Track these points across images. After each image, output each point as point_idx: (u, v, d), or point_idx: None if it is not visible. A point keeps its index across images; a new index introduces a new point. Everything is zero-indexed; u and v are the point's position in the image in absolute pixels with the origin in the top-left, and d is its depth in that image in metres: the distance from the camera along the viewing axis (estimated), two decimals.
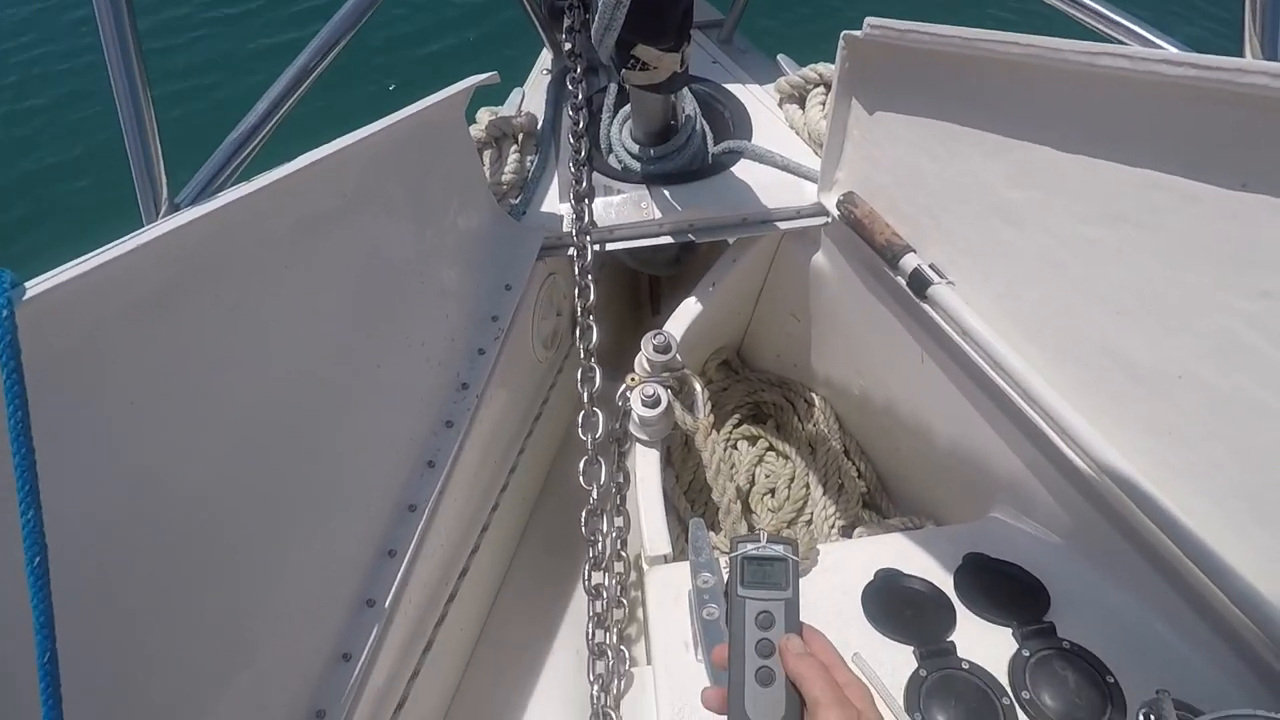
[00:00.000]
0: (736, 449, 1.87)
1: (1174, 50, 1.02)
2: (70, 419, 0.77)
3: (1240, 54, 1.03)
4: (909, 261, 1.36)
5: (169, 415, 0.88)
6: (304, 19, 4.85)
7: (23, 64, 4.70)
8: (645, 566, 1.29)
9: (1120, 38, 1.12)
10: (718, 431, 1.83)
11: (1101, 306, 1.06)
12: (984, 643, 1.10)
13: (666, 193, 1.65)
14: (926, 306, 1.34)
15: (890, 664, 1.08)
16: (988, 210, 1.22)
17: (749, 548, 0.78)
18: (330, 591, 1.13)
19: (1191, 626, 1.03)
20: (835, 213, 1.53)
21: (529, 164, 1.71)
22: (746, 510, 1.76)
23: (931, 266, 1.34)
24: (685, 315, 1.64)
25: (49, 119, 4.34)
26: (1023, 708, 1.01)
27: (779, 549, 0.77)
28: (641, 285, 2.47)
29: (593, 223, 1.52)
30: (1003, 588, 1.18)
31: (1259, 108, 0.83)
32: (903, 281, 1.38)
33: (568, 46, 1.62)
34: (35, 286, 0.72)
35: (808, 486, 1.75)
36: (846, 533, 1.66)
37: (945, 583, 1.20)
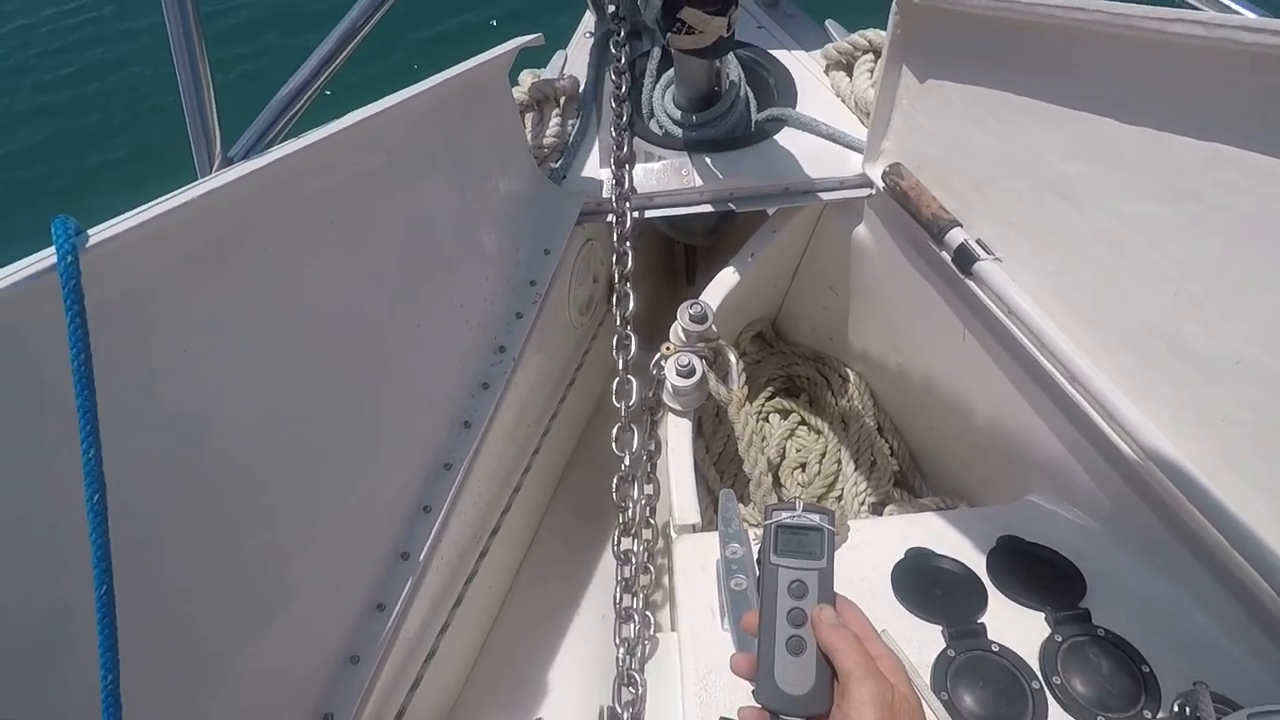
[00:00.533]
0: (768, 422, 1.86)
1: (1252, 15, 0.96)
2: (126, 362, 0.79)
3: None
4: (955, 236, 1.32)
5: (217, 362, 0.90)
6: None
7: (83, 25, 4.78)
8: (674, 535, 1.30)
9: (1193, 2, 1.06)
10: (750, 404, 1.82)
11: (1159, 287, 1.03)
12: (1015, 626, 1.09)
13: (708, 160, 1.62)
14: (971, 283, 1.31)
15: (918, 642, 1.08)
16: (1042, 185, 1.18)
17: (784, 515, 0.77)
18: (367, 542, 1.16)
19: (1234, 618, 1.01)
20: (880, 184, 1.50)
21: (570, 128, 1.70)
22: (777, 484, 1.75)
23: (979, 242, 1.31)
24: (722, 285, 1.63)
25: (111, 79, 4.42)
26: (1052, 692, 1.00)
27: (815, 518, 0.77)
28: (677, 254, 2.45)
29: (633, 189, 1.51)
30: (1037, 572, 1.16)
31: None
32: (947, 257, 1.34)
33: (611, 9, 1.59)
34: (97, 234, 0.74)
35: (839, 462, 1.74)
36: (877, 510, 1.65)
37: (978, 564, 1.19)
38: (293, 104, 1.05)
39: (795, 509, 0.77)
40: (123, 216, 0.76)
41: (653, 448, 1.44)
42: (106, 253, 0.73)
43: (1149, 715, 0.97)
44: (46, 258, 0.69)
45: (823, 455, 1.76)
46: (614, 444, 1.30)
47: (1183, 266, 1.00)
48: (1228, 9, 1.02)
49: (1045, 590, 1.13)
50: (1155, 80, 0.97)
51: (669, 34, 1.36)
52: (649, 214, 1.60)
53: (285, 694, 1.04)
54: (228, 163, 0.95)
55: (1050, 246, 1.20)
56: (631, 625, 1.25)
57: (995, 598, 1.14)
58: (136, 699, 0.69)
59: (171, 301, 0.83)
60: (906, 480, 1.76)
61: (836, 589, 0.76)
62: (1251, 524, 0.94)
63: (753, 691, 0.76)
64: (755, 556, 0.82)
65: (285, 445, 1.01)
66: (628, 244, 1.42)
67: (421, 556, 1.20)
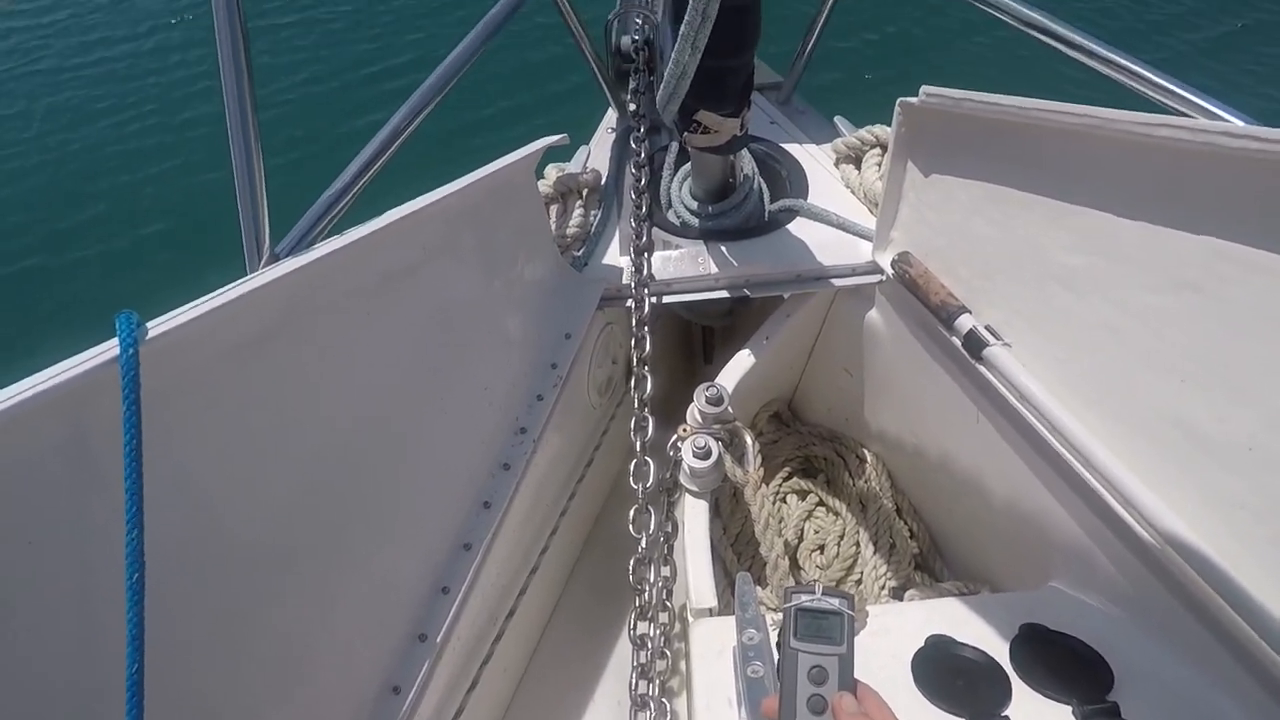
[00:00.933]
0: (786, 503, 1.86)
1: (1237, 122, 1.02)
2: (171, 447, 0.84)
3: None
4: (964, 322, 1.36)
5: (252, 447, 0.95)
6: (385, 98, 5.20)
7: (152, 128, 5.14)
8: (690, 619, 1.29)
9: (1183, 109, 1.12)
10: (767, 485, 1.83)
11: (1167, 375, 1.05)
12: (1040, 719, 1.06)
13: (723, 248, 1.69)
14: (982, 368, 1.34)
15: None
16: (1046, 275, 1.22)
17: (803, 599, 0.78)
18: (385, 623, 1.17)
19: (1265, 709, 0.98)
20: (890, 271, 1.55)
21: (592, 218, 1.78)
22: (795, 566, 1.74)
23: (988, 328, 1.34)
24: (738, 367, 1.67)
25: (168, 179, 4.73)
26: None
27: (835, 602, 0.77)
28: (694, 335, 2.51)
29: (651, 276, 1.58)
30: (1062, 661, 1.14)
31: None
32: (958, 342, 1.38)
33: (632, 107, 1.70)
34: (155, 327, 0.80)
35: (858, 544, 1.73)
36: (898, 594, 1.63)
37: (1000, 653, 1.17)
38: (337, 203, 1.13)
39: (815, 592, 0.78)
40: (179, 311, 0.83)
41: (670, 529, 1.45)
42: (163, 345, 0.79)
43: None
44: (109, 349, 0.74)
45: (841, 537, 1.75)
46: (631, 526, 1.31)
47: (1187, 354, 1.02)
48: (1214, 115, 1.08)
49: (1071, 681, 1.11)
50: (1147, 179, 1.02)
51: (685, 133, 1.45)
52: (666, 299, 1.66)
53: None
54: (274, 259, 1.02)
55: (1058, 334, 1.23)
56: (647, 713, 1.23)
57: (1020, 688, 1.11)
58: None
59: (217, 390, 0.89)
60: (927, 563, 1.74)
61: (856, 676, 0.76)
62: (1274, 610, 0.93)
63: None
64: (774, 641, 0.82)
65: (310, 526, 1.05)
66: (646, 328, 1.47)
67: (439, 638, 1.20)
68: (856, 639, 0.80)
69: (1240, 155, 0.89)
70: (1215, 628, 1.02)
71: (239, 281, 0.90)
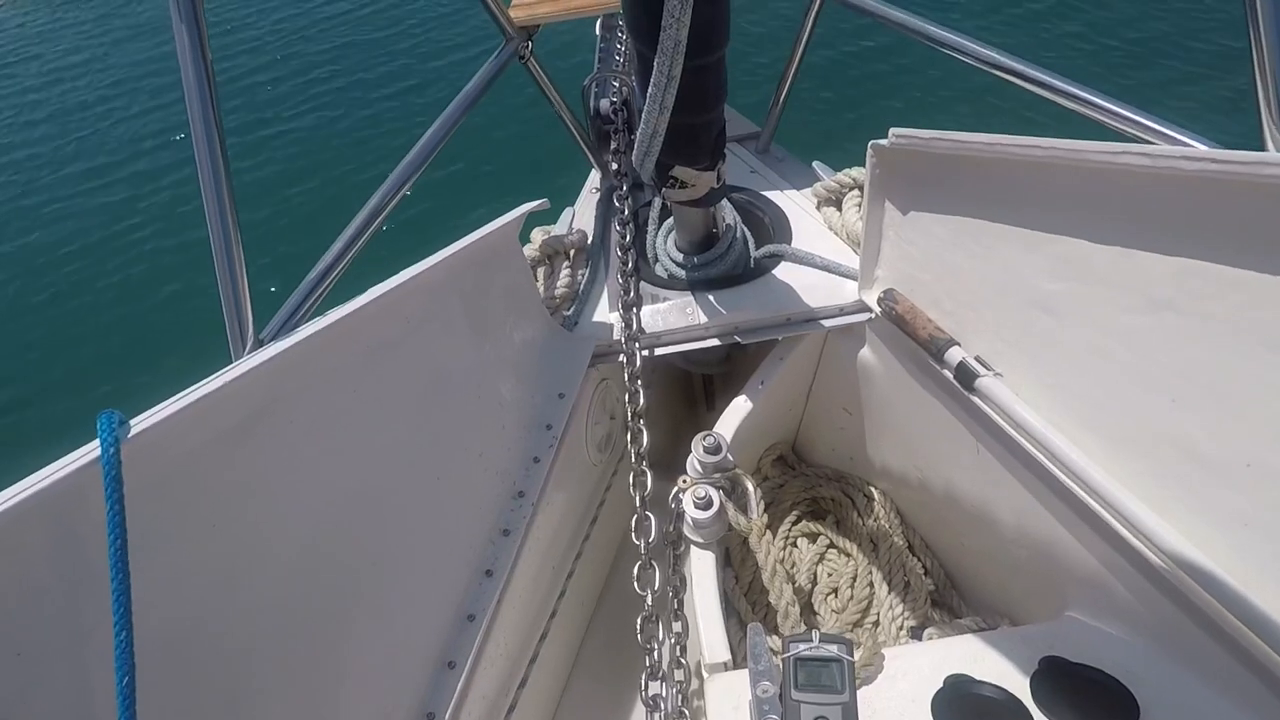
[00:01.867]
0: (797, 547, 1.83)
1: (1196, 146, 1.04)
2: (160, 541, 0.84)
3: (1260, 146, 1.05)
4: (954, 355, 1.36)
5: (244, 534, 0.95)
6: (377, 155, 5.35)
7: (131, 225, 5.29)
8: (705, 674, 1.27)
9: (1143, 136, 1.15)
10: (773, 531, 1.81)
11: (1156, 395, 1.05)
12: None
13: (711, 298, 1.71)
14: (975, 399, 1.34)
15: None
16: (1028, 303, 1.23)
17: (801, 648, 0.77)
18: (391, 703, 1.15)
19: None
20: (877, 309, 1.56)
21: (580, 277, 1.81)
22: (809, 611, 1.71)
23: (978, 359, 1.34)
24: (736, 414, 1.67)
25: (151, 267, 4.85)
26: None
27: (833, 649, 0.76)
28: (695, 383, 2.51)
29: (641, 330, 1.59)
30: (1085, 694, 1.11)
31: None
32: (949, 374, 1.38)
33: (614, 167, 1.74)
34: (139, 424, 0.81)
35: (871, 585, 1.70)
36: (916, 633, 1.59)
37: (1021, 689, 1.13)
38: (320, 283, 1.16)
39: (813, 640, 0.77)
40: (163, 404, 0.84)
41: (678, 583, 1.43)
42: (148, 440, 0.80)
43: None
44: (91, 451, 0.75)
45: (854, 579, 1.72)
46: (635, 583, 1.30)
47: (1174, 373, 1.02)
48: (1175, 140, 1.10)
49: (1096, 715, 1.07)
50: (1114, 204, 1.04)
51: (664, 189, 1.49)
52: (659, 352, 1.67)
53: None
54: (259, 344, 1.04)
55: (1045, 360, 1.23)
56: None
57: None
58: None
59: (203, 479, 0.90)
60: (944, 599, 1.70)
61: None
62: None
63: None
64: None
65: (307, 607, 1.04)
66: (639, 382, 1.48)
67: (448, 715, 1.18)
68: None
69: (1200, 177, 0.90)
70: (1236, 650, 0.99)
71: (223, 370, 0.92)
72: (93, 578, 0.75)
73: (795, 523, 1.88)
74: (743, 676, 1.19)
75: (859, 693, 1.19)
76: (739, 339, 1.68)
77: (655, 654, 1.27)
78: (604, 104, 1.81)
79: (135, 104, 6.51)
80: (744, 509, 1.46)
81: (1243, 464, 0.95)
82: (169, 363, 3.97)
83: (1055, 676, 1.15)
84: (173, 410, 0.84)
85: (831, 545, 1.82)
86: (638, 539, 1.33)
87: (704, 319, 1.68)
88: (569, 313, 1.72)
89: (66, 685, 0.76)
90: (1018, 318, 1.25)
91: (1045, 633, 1.26)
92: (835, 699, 0.74)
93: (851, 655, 0.75)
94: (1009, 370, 1.30)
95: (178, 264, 4.76)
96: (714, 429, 1.56)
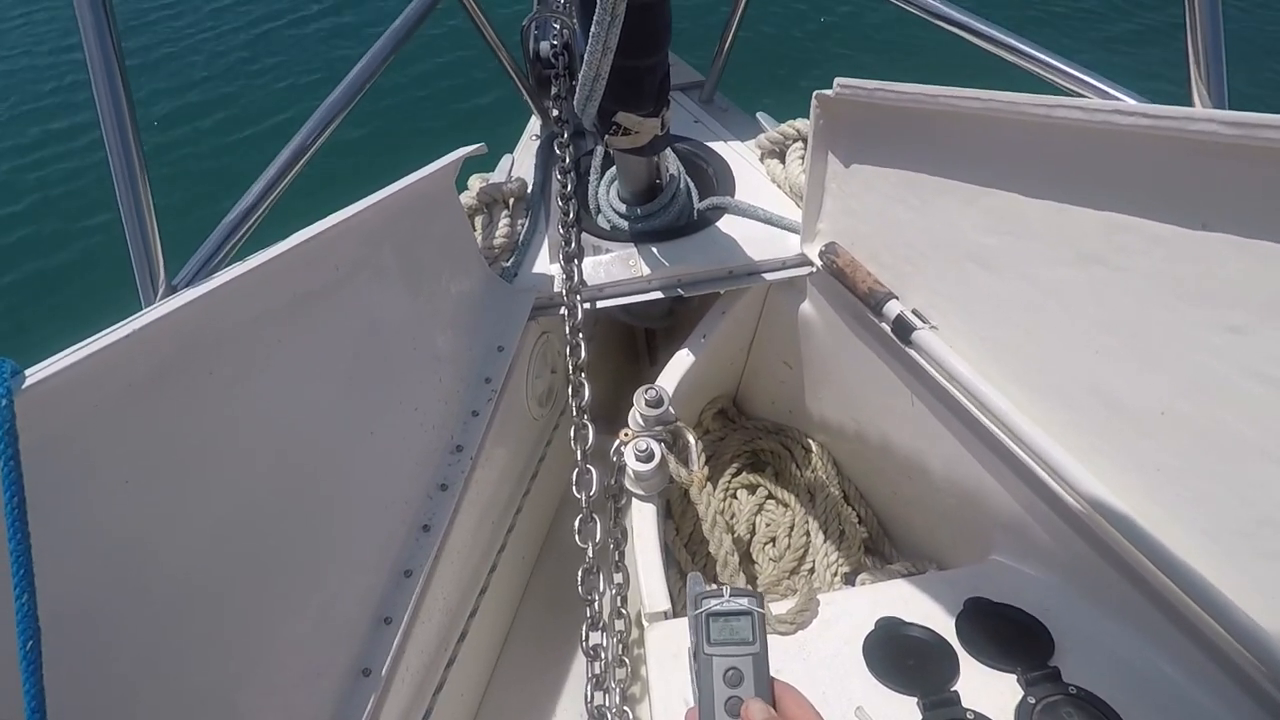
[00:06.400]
0: (736, 498, 1.86)
1: (1129, 101, 1.06)
2: (65, 500, 0.78)
3: (1189, 103, 1.08)
4: (892, 308, 1.38)
5: (162, 491, 0.90)
6: (299, 94, 5.04)
7: (24, 151, 4.87)
8: (645, 623, 1.28)
9: (1080, 90, 1.16)
10: (715, 483, 1.83)
11: (1081, 346, 1.08)
12: (988, 690, 1.08)
13: (654, 250, 1.69)
14: (911, 351, 1.36)
15: (894, 717, 1.06)
16: (964, 256, 1.25)
17: (712, 603, 0.77)
18: (326, 659, 1.13)
19: (1197, 665, 1.01)
20: (818, 263, 1.56)
21: (520, 227, 1.76)
22: (748, 560, 1.74)
23: (914, 312, 1.36)
24: (678, 367, 1.66)
25: (52, 206, 4.47)
26: None
27: (743, 602, 0.76)
28: (638, 337, 2.50)
29: (582, 282, 1.56)
30: (1005, 632, 1.17)
31: (1210, 153, 0.86)
32: (887, 328, 1.40)
33: (555, 113, 1.68)
34: (34, 374, 0.74)
35: (808, 534, 1.74)
36: (850, 579, 1.64)
37: (948, 629, 1.19)
38: (239, 227, 1.08)
39: (723, 595, 0.77)
40: (63, 353, 0.77)
41: (619, 535, 1.43)
42: (45, 391, 0.73)
43: None
44: None
45: (791, 528, 1.76)
46: (576, 536, 1.29)
47: (1097, 325, 1.06)
48: (1109, 95, 1.12)
49: (1015, 651, 1.13)
50: (1048, 158, 1.05)
51: (607, 136, 1.44)
52: (600, 304, 1.65)
53: None
54: (171, 290, 0.97)
55: (979, 313, 1.26)
56: None
57: (967, 662, 1.13)
58: None
59: (112, 434, 0.83)
60: (877, 547, 1.76)
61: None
62: (1197, 568, 0.96)
63: None
64: (690, 650, 0.81)
65: (235, 566, 0.99)
66: (580, 335, 1.45)
67: (384, 671, 1.16)
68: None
69: (1131, 132, 0.92)
70: (1144, 588, 1.05)
71: (132, 318, 0.85)
72: None
73: (735, 475, 1.91)
74: (682, 625, 1.20)
75: (794, 636, 1.22)
76: (681, 292, 1.67)
77: (596, 605, 1.27)
78: (544, 46, 1.73)
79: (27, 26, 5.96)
80: (685, 462, 1.47)
81: (1157, 412, 1.00)
82: (70, 312, 3.69)
83: (979, 616, 1.20)
84: (74, 359, 0.77)
85: (770, 496, 1.85)
86: (578, 492, 1.32)
87: (646, 271, 1.65)
88: (508, 264, 1.68)
89: None
90: (954, 271, 1.28)
91: (970, 575, 1.31)
92: (747, 649, 0.75)
93: (762, 608, 0.76)
94: (944, 323, 1.33)
95: (79, 204, 4.39)
96: (656, 382, 1.56)
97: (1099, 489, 1.08)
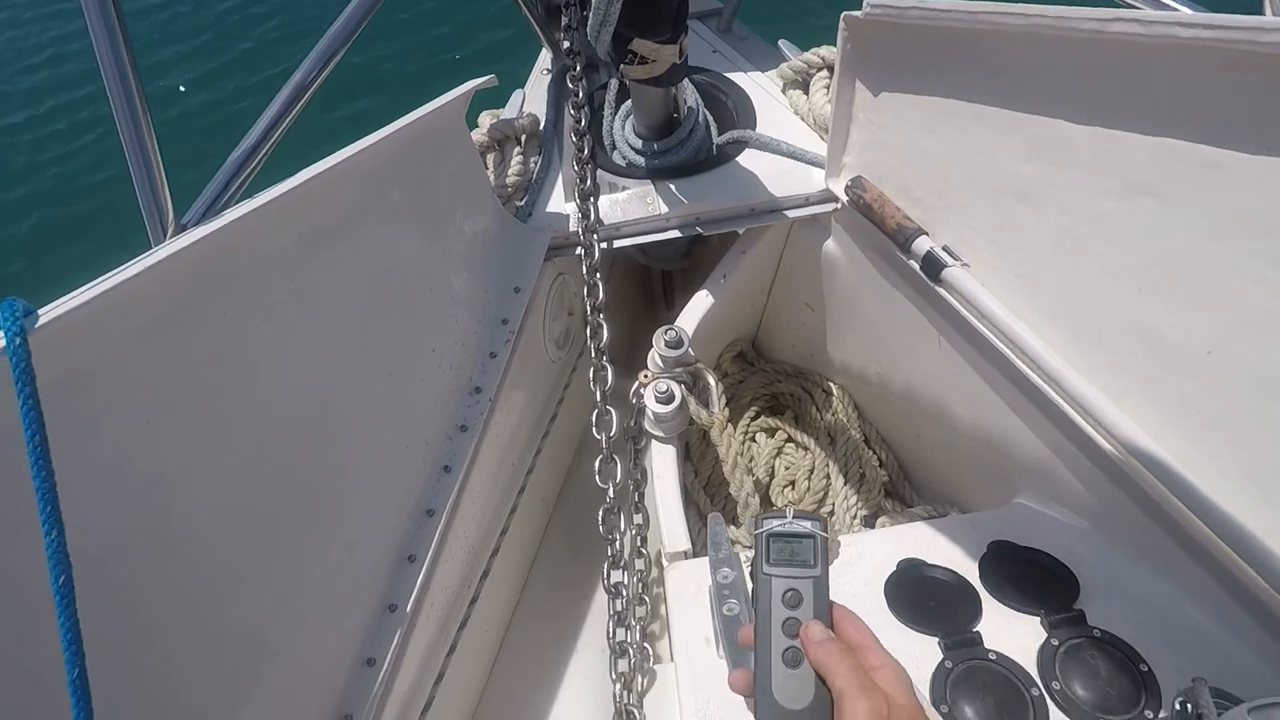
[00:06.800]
0: (755, 442, 1.85)
1: (1188, 11, 0.98)
2: (87, 439, 0.78)
3: (1260, 12, 1.00)
4: (921, 244, 1.33)
5: (184, 431, 0.89)
6: (300, 36, 4.89)
7: (30, 96, 4.80)
8: (665, 563, 1.29)
9: (1133, 2, 1.08)
10: (734, 425, 1.82)
11: (1124, 283, 1.03)
12: (1011, 632, 1.08)
13: (672, 186, 1.63)
14: (941, 290, 1.32)
15: (915, 656, 1.06)
16: (1000, 189, 1.19)
17: (774, 524, 0.76)
18: (352, 597, 1.14)
19: (1227, 611, 1.00)
20: (844, 198, 1.51)
21: (533, 165, 1.70)
22: (767, 504, 1.74)
23: (945, 249, 1.31)
24: (698, 309, 1.63)
25: (60, 148, 4.42)
26: (1053, 698, 0.99)
27: (806, 525, 0.75)
28: (654, 280, 2.46)
29: (599, 221, 1.51)
30: (1029, 575, 1.15)
31: None
32: (916, 265, 1.35)
33: (566, 44, 1.60)
34: (47, 313, 0.73)
35: (828, 477, 1.73)
36: (869, 523, 1.64)
37: (970, 571, 1.18)
38: (245, 165, 1.05)
39: (786, 516, 0.77)
40: (74, 293, 0.76)
41: (639, 477, 1.43)
42: (58, 330, 0.72)
43: (1150, 715, 0.95)
44: None
45: (811, 471, 1.75)
46: (596, 476, 1.29)
47: (1145, 260, 1.00)
48: (1166, 6, 1.04)
49: (1039, 594, 1.12)
50: (1100, 79, 0.98)
51: (622, 65, 1.38)
52: (617, 243, 1.60)
53: None
54: (181, 229, 0.94)
55: (1015, 249, 1.21)
56: (627, 659, 1.23)
57: (990, 604, 1.13)
58: None
59: (130, 373, 0.82)
60: (897, 490, 1.75)
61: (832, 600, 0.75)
62: (1235, 514, 0.93)
63: (752, 709, 0.74)
64: (749, 570, 0.81)
65: (259, 506, 1.00)
66: (598, 275, 1.42)
67: (409, 607, 1.18)
68: (830, 569, 0.79)
69: (1193, 46, 0.85)
70: (1177, 533, 1.03)
71: (141, 257, 0.83)
72: (13, 478, 0.68)
73: (754, 419, 1.89)
74: (702, 565, 1.21)
75: None
76: (700, 230, 1.62)
77: (617, 544, 1.28)
78: None
79: None
80: (706, 403, 1.45)
81: (1203, 351, 0.96)
82: (80, 254, 3.67)
83: (1002, 559, 1.19)
84: (87, 298, 0.76)
85: (790, 440, 1.84)
86: (598, 433, 1.31)
87: (664, 209, 1.60)
88: (521, 203, 1.63)
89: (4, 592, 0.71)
90: (989, 205, 1.22)
91: (994, 519, 1.30)
92: (807, 572, 0.74)
93: (825, 532, 0.75)
94: (976, 260, 1.28)
95: (86, 151, 4.34)
96: (675, 324, 1.53)
97: (1134, 432, 1.05)
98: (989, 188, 1.21)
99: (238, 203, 1.00)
